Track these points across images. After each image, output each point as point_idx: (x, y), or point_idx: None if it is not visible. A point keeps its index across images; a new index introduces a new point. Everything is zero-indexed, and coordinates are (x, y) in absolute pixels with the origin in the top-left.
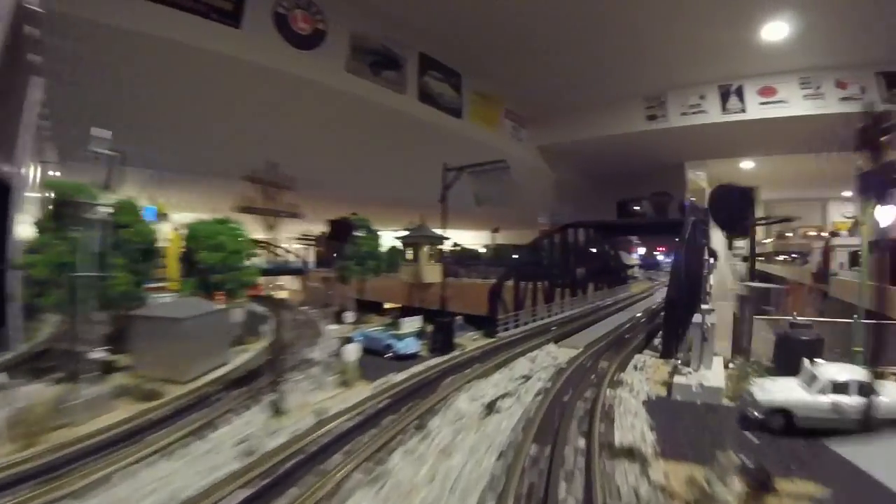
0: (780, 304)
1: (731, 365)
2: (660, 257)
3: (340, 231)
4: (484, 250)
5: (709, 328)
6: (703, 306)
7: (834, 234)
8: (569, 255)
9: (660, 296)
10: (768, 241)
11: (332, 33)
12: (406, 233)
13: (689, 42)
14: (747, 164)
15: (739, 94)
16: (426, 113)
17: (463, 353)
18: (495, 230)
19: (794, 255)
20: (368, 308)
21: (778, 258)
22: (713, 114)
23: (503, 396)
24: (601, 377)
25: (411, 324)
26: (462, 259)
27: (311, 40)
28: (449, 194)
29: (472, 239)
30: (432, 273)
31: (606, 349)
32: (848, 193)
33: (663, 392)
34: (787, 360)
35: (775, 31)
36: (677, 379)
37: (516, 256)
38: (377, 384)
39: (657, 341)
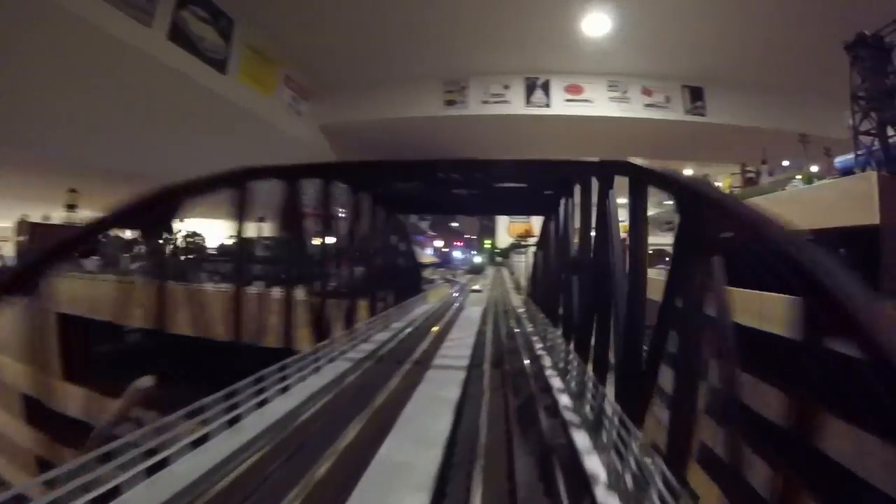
0: None
1: None
2: (456, 253)
3: None
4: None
5: None
6: None
7: None
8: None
9: (473, 312)
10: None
11: None
12: None
13: (502, 26)
14: None
15: (546, 88)
16: (176, 56)
17: None
18: (261, 220)
19: None
20: None
21: None
22: (516, 105)
23: None
24: None
25: None
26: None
27: None
28: None
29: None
30: None
31: None
32: (622, 200)
33: None
34: None
35: (596, 24)
36: None
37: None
38: None
39: None
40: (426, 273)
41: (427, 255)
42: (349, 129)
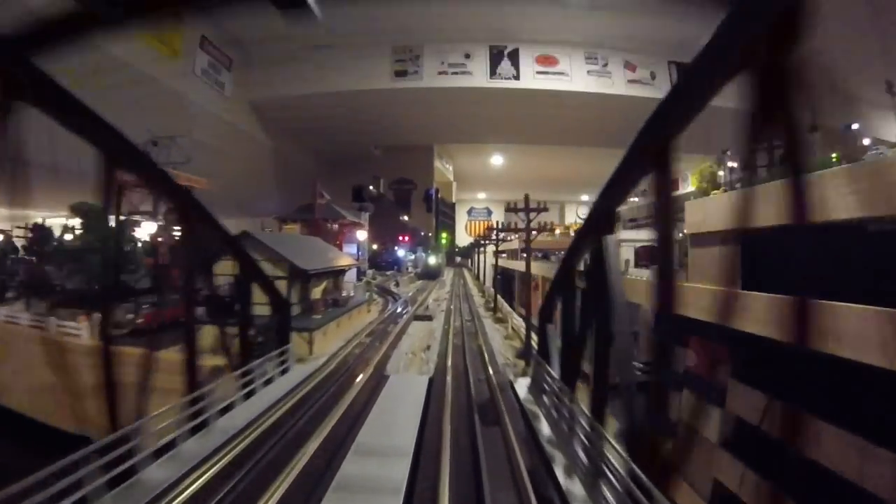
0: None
1: None
2: (401, 252)
3: None
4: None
5: None
6: None
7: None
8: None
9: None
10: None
11: None
12: None
13: None
14: (497, 160)
15: (514, 58)
16: None
17: None
18: None
19: (539, 254)
20: None
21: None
22: (479, 77)
23: None
24: None
25: None
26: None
27: None
28: None
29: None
30: None
31: None
32: (585, 197)
33: None
34: None
35: None
36: None
37: None
38: None
39: None
40: (336, 289)
41: (345, 256)
42: (284, 107)
